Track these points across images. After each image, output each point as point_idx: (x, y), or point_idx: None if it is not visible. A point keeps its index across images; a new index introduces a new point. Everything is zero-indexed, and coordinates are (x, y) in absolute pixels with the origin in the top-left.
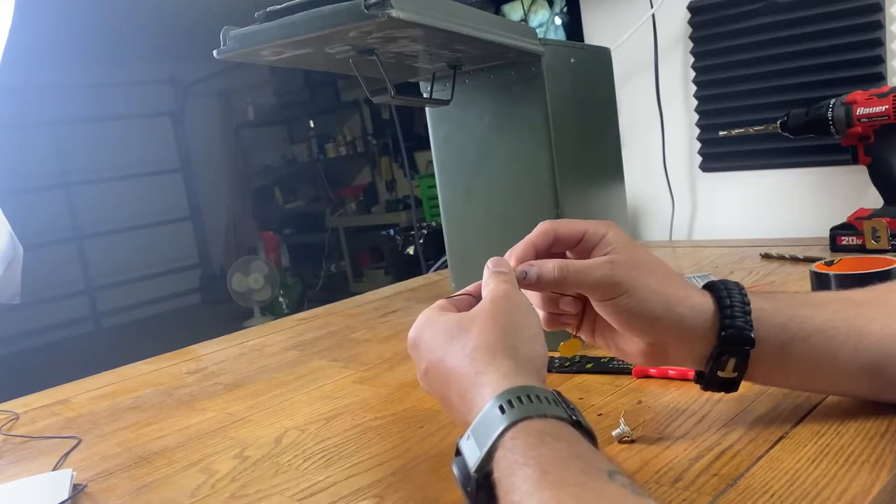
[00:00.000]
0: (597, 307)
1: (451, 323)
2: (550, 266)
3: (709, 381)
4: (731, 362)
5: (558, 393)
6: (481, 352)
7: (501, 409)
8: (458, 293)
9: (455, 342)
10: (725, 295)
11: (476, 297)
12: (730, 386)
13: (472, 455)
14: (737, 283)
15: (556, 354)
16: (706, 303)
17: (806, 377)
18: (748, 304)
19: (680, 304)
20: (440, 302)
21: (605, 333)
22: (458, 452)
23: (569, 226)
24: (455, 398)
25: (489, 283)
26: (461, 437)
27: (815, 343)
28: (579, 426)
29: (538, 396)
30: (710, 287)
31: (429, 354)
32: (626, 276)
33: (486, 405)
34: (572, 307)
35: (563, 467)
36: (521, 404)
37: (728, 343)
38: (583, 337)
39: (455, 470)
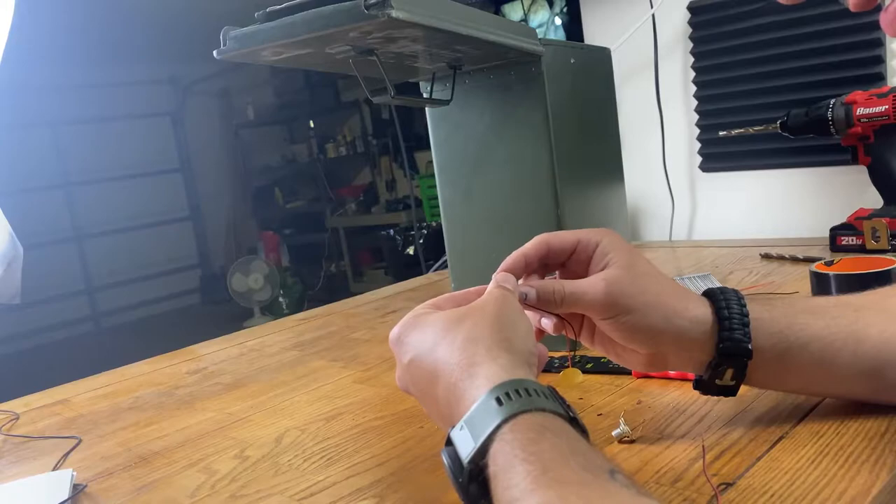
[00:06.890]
0: (596, 322)
1: (443, 316)
2: (550, 289)
3: (707, 387)
4: (729, 372)
5: (553, 388)
6: (475, 343)
7: (499, 400)
8: (448, 294)
9: (447, 334)
10: (724, 306)
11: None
12: (728, 392)
13: (466, 445)
14: (735, 292)
15: (556, 354)
16: (705, 314)
17: (804, 382)
18: (746, 315)
19: (679, 317)
20: (427, 302)
21: (604, 341)
22: (448, 442)
23: (561, 237)
24: (440, 390)
25: (488, 289)
26: (452, 427)
27: (813, 350)
28: (575, 423)
29: (535, 390)
30: (708, 295)
31: (415, 346)
32: (623, 294)
33: (480, 396)
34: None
35: (565, 465)
36: (520, 397)
37: (726, 355)
38: (583, 342)
39: (445, 459)
